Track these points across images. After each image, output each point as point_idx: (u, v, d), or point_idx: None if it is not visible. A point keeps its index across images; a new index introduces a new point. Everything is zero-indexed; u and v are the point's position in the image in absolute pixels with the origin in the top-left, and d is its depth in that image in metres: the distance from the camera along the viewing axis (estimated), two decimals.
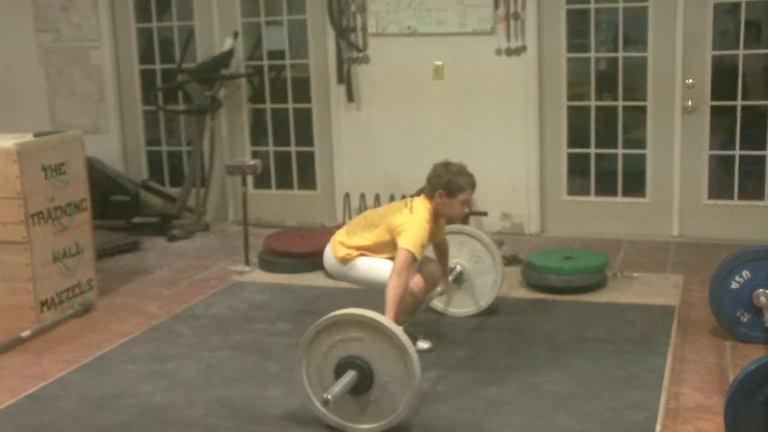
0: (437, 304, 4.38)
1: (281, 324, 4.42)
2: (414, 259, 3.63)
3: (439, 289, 4.13)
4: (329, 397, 3.07)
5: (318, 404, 3.22)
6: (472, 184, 3.83)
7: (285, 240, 5.55)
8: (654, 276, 5.01)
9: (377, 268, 3.78)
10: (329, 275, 4.21)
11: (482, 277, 4.38)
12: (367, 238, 3.83)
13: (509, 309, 4.54)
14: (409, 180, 5.74)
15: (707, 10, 5.59)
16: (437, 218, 3.85)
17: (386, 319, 3.20)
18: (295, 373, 3.26)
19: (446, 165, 3.84)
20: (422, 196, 3.84)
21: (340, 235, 3.95)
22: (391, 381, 3.13)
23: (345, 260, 3.87)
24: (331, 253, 3.94)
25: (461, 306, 4.42)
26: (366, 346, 3.13)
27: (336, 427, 3.24)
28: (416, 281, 3.77)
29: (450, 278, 4.23)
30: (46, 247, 4.48)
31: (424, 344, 3.96)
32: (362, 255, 3.85)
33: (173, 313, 4.63)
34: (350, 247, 3.86)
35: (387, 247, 3.76)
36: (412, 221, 3.69)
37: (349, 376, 3.12)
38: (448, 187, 3.76)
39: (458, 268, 4.36)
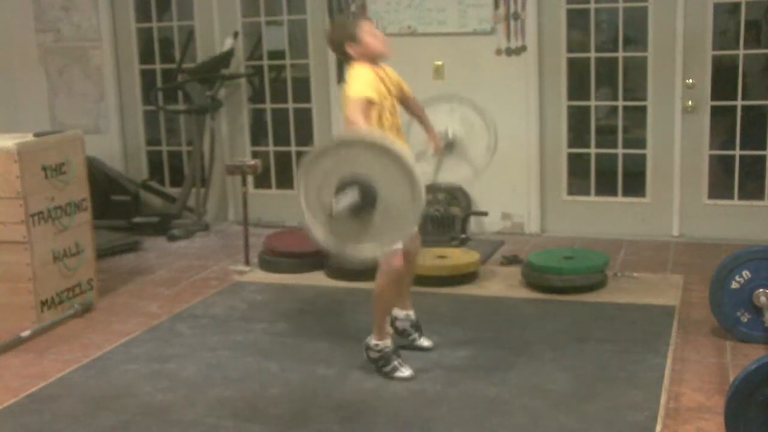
0: (427, 169, 4.13)
1: (281, 324, 4.42)
2: (366, 102, 3.46)
3: (430, 149, 3.98)
4: (333, 213, 3.02)
5: (316, 228, 3.15)
6: (363, 16, 3.67)
7: (285, 240, 5.55)
8: (654, 276, 5.01)
9: None
10: None
11: (475, 143, 4.22)
12: None
13: (509, 309, 4.54)
14: None
15: (707, 10, 5.59)
16: (377, 70, 3.66)
17: (395, 143, 3.13)
18: (297, 197, 3.18)
19: (331, 27, 3.69)
20: (348, 67, 3.70)
21: None
22: (394, 206, 3.07)
23: None
24: None
25: (454, 172, 4.23)
26: (372, 169, 3.06)
27: (334, 251, 3.22)
28: (397, 261, 3.59)
29: (442, 143, 4.10)
30: (46, 247, 4.48)
31: (425, 342, 3.97)
32: None
33: (173, 313, 4.63)
34: None
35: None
36: (349, 82, 3.57)
37: (351, 195, 3.05)
38: (346, 35, 3.61)
39: (450, 134, 4.20)
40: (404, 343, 3.90)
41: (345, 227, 3.13)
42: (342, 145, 3.12)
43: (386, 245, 3.16)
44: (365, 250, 3.18)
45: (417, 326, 4.00)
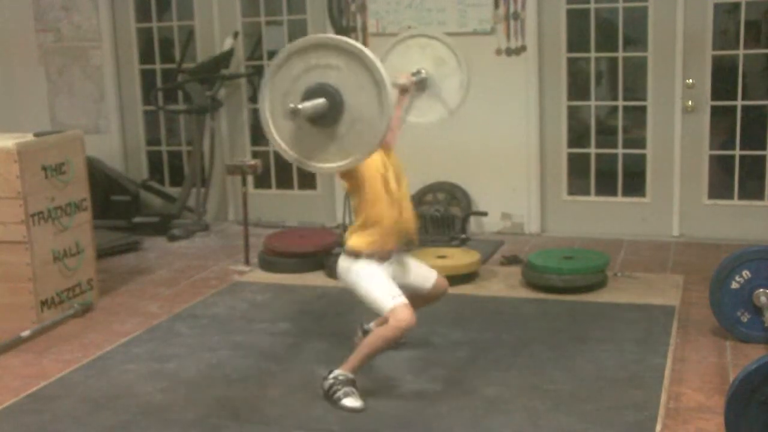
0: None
1: (281, 324, 4.42)
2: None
3: (404, 80, 3.85)
4: (299, 107, 2.93)
5: (279, 137, 3.08)
6: None
7: (285, 240, 5.55)
8: (654, 276, 5.01)
9: (376, 291, 3.47)
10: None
11: (447, 80, 4.14)
12: (354, 218, 3.60)
13: (509, 309, 4.54)
14: (408, 179, 5.72)
15: (707, 10, 5.59)
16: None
17: (371, 52, 3.04)
18: (258, 101, 3.10)
19: None
20: None
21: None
22: (361, 119, 2.99)
23: (351, 256, 3.56)
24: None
25: (426, 113, 4.11)
26: (341, 76, 2.98)
27: (295, 163, 3.15)
28: (404, 315, 3.38)
29: (414, 78, 3.99)
30: (46, 247, 4.48)
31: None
32: (364, 238, 3.51)
33: (173, 313, 4.63)
34: (350, 231, 3.61)
35: (361, 194, 3.49)
36: None
37: (318, 100, 2.97)
38: None
39: (423, 72, 4.10)
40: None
41: (309, 138, 3.06)
42: (313, 46, 3.02)
43: (351, 160, 3.05)
44: (330, 163, 3.09)
45: None
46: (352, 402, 3.38)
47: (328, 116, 3.03)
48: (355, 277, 3.50)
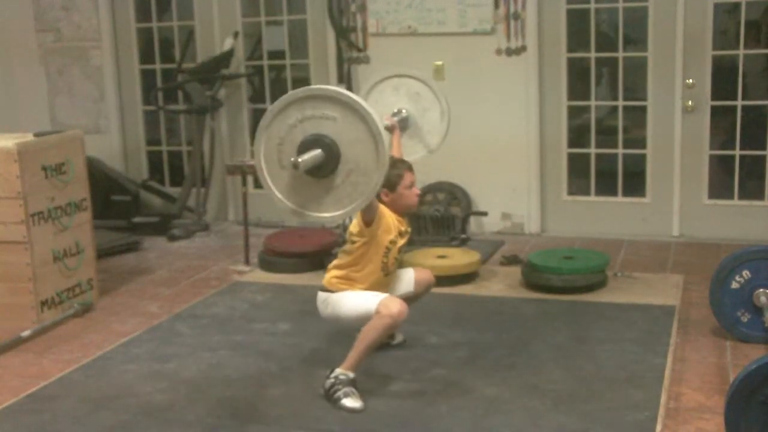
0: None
1: (281, 324, 4.42)
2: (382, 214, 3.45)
3: (386, 122, 3.92)
4: (299, 160, 2.95)
5: (274, 185, 3.10)
6: (407, 167, 3.65)
7: (285, 240, 5.55)
8: (654, 276, 5.01)
9: (359, 304, 3.47)
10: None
11: (427, 114, 4.19)
12: (342, 258, 3.62)
13: (509, 309, 4.54)
14: None
15: (707, 10, 5.59)
16: (395, 219, 3.63)
17: (365, 103, 3.06)
18: (253, 147, 3.14)
19: None
20: None
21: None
22: (357, 169, 3.01)
23: (327, 291, 3.58)
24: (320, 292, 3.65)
25: (409, 153, 4.08)
26: (337, 128, 3.01)
27: (291, 213, 3.17)
28: (395, 307, 3.40)
29: (396, 119, 4.08)
30: (46, 247, 4.48)
31: (398, 338, 4.00)
32: (343, 284, 3.55)
33: (173, 313, 4.63)
34: (331, 270, 3.63)
35: (356, 257, 3.54)
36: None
37: (315, 152, 2.99)
38: (386, 183, 3.46)
39: (404, 112, 4.15)
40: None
41: (305, 188, 3.07)
42: (309, 97, 3.04)
43: (347, 210, 3.08)
44: (325, 213, 3.11)
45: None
46: (351, 402, 3.38)
47: (325, 167, 3.06)
48: (336, 305, 3.53)
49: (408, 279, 3.82)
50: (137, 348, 4.14)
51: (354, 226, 3.56)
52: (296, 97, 3.07)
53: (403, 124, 4.19)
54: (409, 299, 3.64)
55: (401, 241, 3.63)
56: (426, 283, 3.87)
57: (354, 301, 3.49)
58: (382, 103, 4.11)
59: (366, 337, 3.40)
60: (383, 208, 3.54)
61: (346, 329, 3.67)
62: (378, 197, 3.53)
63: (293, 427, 3.29)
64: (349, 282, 3.55)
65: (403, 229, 3.65)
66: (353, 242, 3.54)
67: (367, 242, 3.50)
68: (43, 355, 4.11)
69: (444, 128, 4.22)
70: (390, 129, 3.97)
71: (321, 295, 3.60)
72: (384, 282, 3.62)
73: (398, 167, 3.60)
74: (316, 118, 3.03)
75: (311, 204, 3.11)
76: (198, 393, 3.60)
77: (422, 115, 4.22)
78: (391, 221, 3.56)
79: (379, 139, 3.00)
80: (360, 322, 3.45)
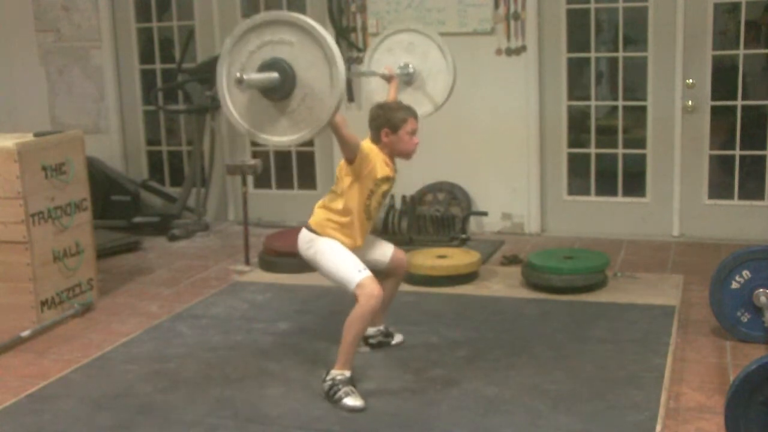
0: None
1: (281, 324, 4.42)
2: (364, 149, 3.48)
3: (385, 71, 4.04)
4: (244, 77, 3.04)
5: (234, 109, 3.18)
6: (413, 114, 3.65)
7: (285, 240, 5.54)
8: (654, 276, 5.01)
9: (340, 266, 3.50)
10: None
11: (435, 79, 4.25)
12: (329, 197, 3.63)
13: (509, 309, 4.54)
14: (408, 179, 5.74)
15: (707, 10, 5.59)
16: (389, 161, 3.66)
17: (322, 28, 3.11)
18: (216, 72, 3.21)
19: (381, 105, 3.70)
20: (367, 139, 3.65)
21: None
22: (312, 94, 3.07)
23: (313, 233, 3.58)
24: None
25: (418, 105, 4.02)
26: (294, 52, 3.07)
27: (247, 135, 3.25)
28: (371, 289, 3.42)
29: (401, 76, 4.16)
30: (46, 247, 4.48)
31: (398, 338, 4.02)
32: (329, 227, 3.56)
33: (173, 313, 4.63)
34: (318, 210, 3.63)
35: (343, 198, 3.54)
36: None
37: (271, 75, 3.07)
38: (390, 122, 3.55)
39: (410, 67, 4.22)
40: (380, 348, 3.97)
41: (262, 111, 3.12)
42: (268, 23, 3.11)
43: (302, 134, 3.12)
44: (280, 137, 3.15)
45: (388, 333, 4.02)
46: (352, 401, 3.38)
47: (280, 90, 3.11)
48: (318, 253, 3.55)
49: (385, 251, 3.81)
50: (137, 348, 4.14)
51: (341, 166, 3.57)
52: (255, 23, 3.14)
53: (407, 78, 4.26)
54: (379, 276, 3.62)
55: (385, 186, 3.63)
56: (399, 263, 3.84)
57: (337, 259, 3.51)
58: (393, 55, 4.20)
59: (351, 328, 3.42)
60: (372, 151, 3.55)
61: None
62: (378, 138, 3.59)
63: (293, 427, 3.29)
64: (335, 225, 3.55)
65: (391, 174, 3.65)
66: (341, 181, 3.55)
67: (352, 181, 3.51)
68: (43, 355, 4.11)
69: (444, 98, 4.26)
70: (387, 78, 4.08)
71: (306, 234, 3.60)
72: (366, 226, 3.64)
73: (404, 111, 3.63)
74: (273, 43, 3.11)
75: (267, 126, 3.18)
76: (198, 393, 3.60)
77: (429, 72, 4.27)
78: (378, 165, 3.56)
79: (334, 63, 3.04)
80: (335, 283, 3.52)
